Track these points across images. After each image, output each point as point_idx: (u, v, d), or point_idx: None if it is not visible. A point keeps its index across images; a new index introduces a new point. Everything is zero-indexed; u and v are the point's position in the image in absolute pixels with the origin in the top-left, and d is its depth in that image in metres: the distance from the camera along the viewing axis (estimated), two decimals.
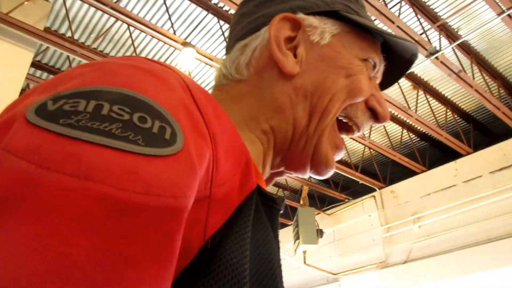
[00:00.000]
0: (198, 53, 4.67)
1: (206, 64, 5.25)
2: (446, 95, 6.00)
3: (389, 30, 3.44)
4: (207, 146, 0.33)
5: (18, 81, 3.58)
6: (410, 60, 0.64)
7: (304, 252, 6.86)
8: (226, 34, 5.15)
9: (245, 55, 0.58)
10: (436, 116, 6.15)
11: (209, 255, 0.32)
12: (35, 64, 5.29)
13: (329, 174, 0.57)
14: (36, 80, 5.04)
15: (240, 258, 0.34)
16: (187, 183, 0.29)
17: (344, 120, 0.58)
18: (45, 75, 5.50)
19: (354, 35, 0.58)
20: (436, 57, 4.57)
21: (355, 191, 7.86)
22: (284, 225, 8.74)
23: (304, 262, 6.99)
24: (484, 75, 5.46)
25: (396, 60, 0.64)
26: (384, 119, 0.59)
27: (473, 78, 5.10)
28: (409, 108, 5.54)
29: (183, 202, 0.28)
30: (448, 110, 6.14)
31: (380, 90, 0.61)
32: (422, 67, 5.37)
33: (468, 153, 6.20)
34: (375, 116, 0.59)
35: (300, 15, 0.57)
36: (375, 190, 7.26)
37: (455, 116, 6.22)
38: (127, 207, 0.25)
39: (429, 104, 5.91)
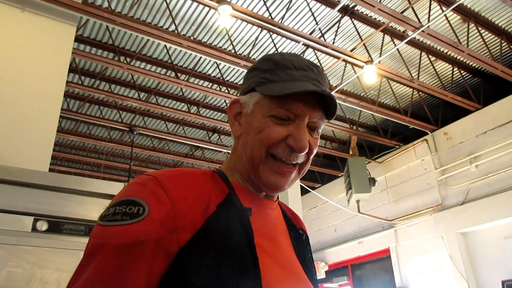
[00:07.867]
0: (235, 10, 4.59)
1: (243, 20, 5.16)
2: (499, 24, 5.58)
3: None
4: (165, 207, 0.70)
5: (65, 56, 3.68)
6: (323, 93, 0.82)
7: (358, 201, 6.87)
8: None
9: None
10: (490, 48, 5.77)
11: (186, 251, 0.69)
12: (78, 39, 5.42)
13: (279, 189, 0.85)
14: (81, 54, 5.18)
15: (207, 239, 0.71)
16: (148, 230, 0.67)
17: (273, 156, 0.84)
18: (88, 48, 5.64)
19: (268, 98, 0.83)
20: None
21: (406, 136, 7.66)
22: (335, 177, 8.76)
23: (358, 211, 7.02)
24: None
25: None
26: (301, 150, 0.82)
27: None
28: (460, 43, 5.22)
29: (147, 237, 0.67)
30: (503, 41, 5.74)
31: (301, 128, 0.82)
32: None
33: None
34: (293, 150, 0.82)
35: (241, 97, 0.89)
36: (426, 134, 7.04)
37: (511, 46, 5.80)
38: (125, 245, 0.66)
39: (482, 37, 5.53)
